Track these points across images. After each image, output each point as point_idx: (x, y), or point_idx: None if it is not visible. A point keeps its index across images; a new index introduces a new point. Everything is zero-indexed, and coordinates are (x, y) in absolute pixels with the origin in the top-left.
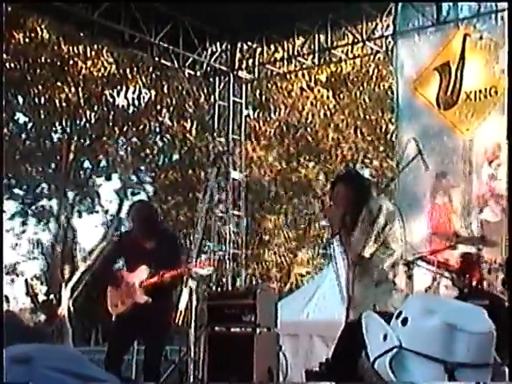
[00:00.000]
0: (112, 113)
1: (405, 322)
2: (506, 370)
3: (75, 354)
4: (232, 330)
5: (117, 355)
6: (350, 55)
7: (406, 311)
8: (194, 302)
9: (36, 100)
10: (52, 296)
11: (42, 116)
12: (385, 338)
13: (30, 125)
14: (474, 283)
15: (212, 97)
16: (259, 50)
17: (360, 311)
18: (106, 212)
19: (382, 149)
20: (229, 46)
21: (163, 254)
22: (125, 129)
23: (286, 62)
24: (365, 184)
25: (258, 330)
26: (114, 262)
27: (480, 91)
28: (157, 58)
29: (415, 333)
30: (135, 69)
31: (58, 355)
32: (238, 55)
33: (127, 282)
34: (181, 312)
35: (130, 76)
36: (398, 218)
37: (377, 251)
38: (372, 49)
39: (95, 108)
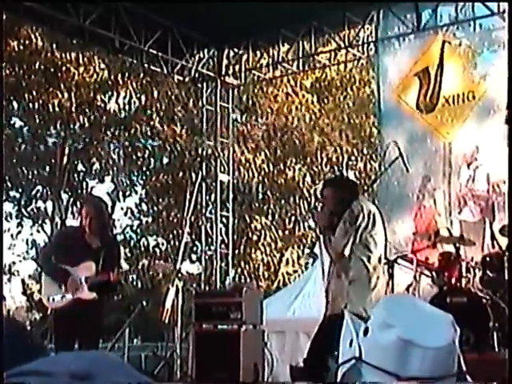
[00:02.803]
0: (104, 117)
1: (366, 331)
2: (469, 379)
3: (128, 366)
4: (219, 327)
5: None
6: (334, 61)
7: (371, 320)
8: (180, 301)
9: (31, 105)
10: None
11: (37, 121)
12: (350, 344)
13: (25, 129)
14: (453, 281)
15: (200, 101)
16: (245, 56)
17: (333, 309)
18: None
19: (365, 151)
20: (216, 53)
21: (107, 255)
22: (116, 133)
23: (271, 67)
24: (351, 186)
25: (244, 327)
26: (55, 253)
27: (458, 96)
28: (146, 65)
29: (372, 345)
30: (126, 75)
31: (116, 370)
32: (225, 61)
33: (71, 277)
34: (167, 310)
35: (120, 82)
36: (379, 220)
37: (356, 251)
38: (355, 55)
39: (88, 113)
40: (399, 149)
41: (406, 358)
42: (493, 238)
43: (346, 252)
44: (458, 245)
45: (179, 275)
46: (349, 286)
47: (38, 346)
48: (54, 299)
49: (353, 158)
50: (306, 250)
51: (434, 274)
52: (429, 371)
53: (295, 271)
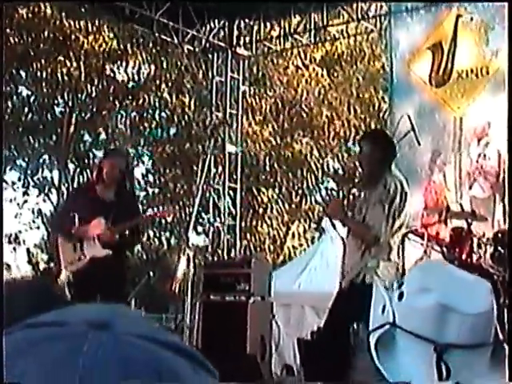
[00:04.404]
0: (112, 87)
1: (401, 296)
2: (507, 348)
3: (147, 318)
4: (227, 298)
5: None
6: (345, 34)
7: (405, 284)
8: (192, 270)
9: (38, 74)
10: (52, 264)
11: (44, 90)
12: (383, 310)
13: (32, 98)
14: (464, 257)
15: (210, 72)
16: (256, 27)
17: (351, 281)
18: None
19: (374, 126)
20: (227, 23)
21: (121, 210)
22: (124, 103)
23: (282, 39)
24: (390, 146)
25: (252, 299)
26: (69, 218)
27: (472, 71)
28: (157, 34)
29: (408, 310)
30: (135, 44)
31: (134, 320)
32: (236, 32)
33: (82, 236)
34: (178, 280)
35: (130, 51)
36: (409, 196)
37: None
38: (366, 28)
39: (96, 82)
40: (411, 122)
41: (443, 324)
42: (505, 213)
43: (379, 234)
44: (469, 220)
45: (190, 245)
46: (371, 259)
47: (59, 298)
48: (71, 262)
49: (361, 132)
50: (313, 224)
51: (444, 249)
52: (467, 338)
53: (301, 245)
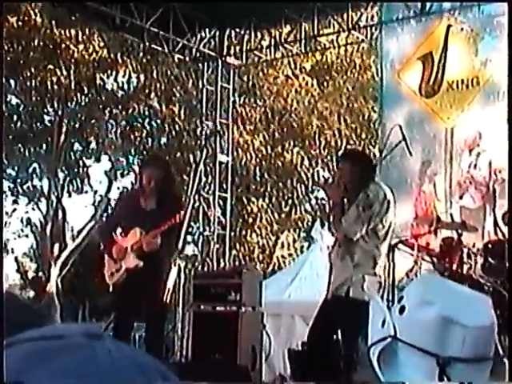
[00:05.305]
0: (102, 96)
1: (402, 310)
2: (507, 362)
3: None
4: (217, 308)
5: (123, 329)
6: (335, 44)
7: (406, 298)
8: (182, 281)
9: (28, 83)
10: (41, 273)
11: (34, 98)
12: (383, 324)
13: (22, 106)
14: (455, 267)
15: (200, 82)
16: (247, 36)
17: (335, 291)
18: (95, 192)
19: (364, 136)
20: (217, 32)
21: (161, 216)
22: (114, 112)
23: (272, 49)
24: (369, 164)
25: (242, 309)
26: (114, 227)
27: (462, 81)
28: (147, 43)
29: (410, 323)
30: (126, 53)
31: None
32: (227, 41)
33: (121, 247)
34: (169, 290)
35: (120, 60)
36: (392, 206)
37: (364, 235)
38: (357, 38)
39: (86, 91)
40: (403, 132)
41: (445, 337)
42: (495, 224)
43: (356, 237)
44: (460, 231)
45: (181, 255)
46: (353, 269)
47: (41, 318)
48: (112, 274)
49: (351, 142)
50: (302, 234)
51: (434, 259)
52: (469, 352)
53: (290, 255)
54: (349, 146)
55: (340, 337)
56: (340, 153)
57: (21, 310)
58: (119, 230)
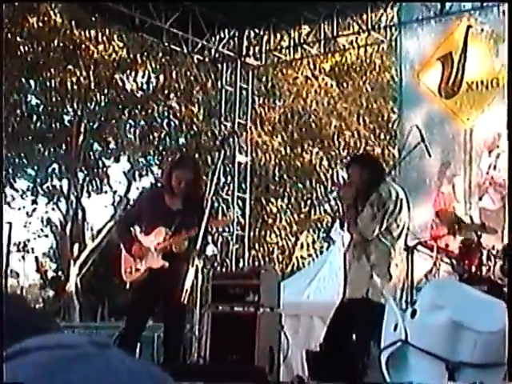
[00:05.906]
0: (121, 96)
1: (414, 314)
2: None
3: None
4: (235, 309)
5: (135, 328)
6: (355, 45)
7: (418, 302)
8: (200, 281)
9: (48, 83)
10: (60, 273)
11: (54, 99)
12: (395, 328)
13: (41, 107)
14: (474, 269)
15: (219, 82)
16: (266, 37)
17: (352, 293)
18: (115, 193)
19: (383, 137)
20: (237, 33)
21: (186, 218)
22: (133, 112)
23: (292, 49)
24: (379, 167)
25: (261, 310)
26: (132, 224)
27: (482, 82)
28: (166, 44)
29: (421, 328)
30: (145, 54)
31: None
32: (246, 42)
33: (141, 246)
34: (186, 290)
35: (139, 61)
36: (406, 205)
37: (379, 235)
38: (377, 39)
39: (105, 91)
40: (421, 133)
41: (456, 342)
42: None
43: (370, 236)
44: (479, 232)
45: (201, 256)
46: (370, 270)
47: (48, 325)
48: (130, 272)
49: (370, 142)
50: (322, 234)
51: (454, 261)
52: (480, 357)
53: (309, 255)
54: (368, 148)
55: (355, 339)
56: (349, 158)
57: (24, 313)
58: (138, 229)
